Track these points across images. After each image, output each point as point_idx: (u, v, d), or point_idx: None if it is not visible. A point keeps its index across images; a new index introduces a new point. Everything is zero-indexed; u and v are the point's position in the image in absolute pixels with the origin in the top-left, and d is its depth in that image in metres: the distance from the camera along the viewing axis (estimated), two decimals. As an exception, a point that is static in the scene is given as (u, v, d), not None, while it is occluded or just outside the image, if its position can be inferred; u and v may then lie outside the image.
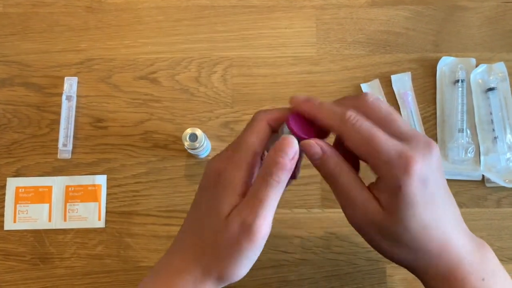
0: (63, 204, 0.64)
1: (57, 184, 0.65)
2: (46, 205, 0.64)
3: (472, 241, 0.40)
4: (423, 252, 0.39)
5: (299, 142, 0.39)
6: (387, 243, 0.40)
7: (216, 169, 0.40)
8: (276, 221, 0.63)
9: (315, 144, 0.39)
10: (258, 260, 0.61)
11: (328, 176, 0.40)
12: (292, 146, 0.38)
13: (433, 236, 0.38)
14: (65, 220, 0.64)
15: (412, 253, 0.39)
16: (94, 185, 0.65)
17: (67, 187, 0.65)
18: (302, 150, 0.40)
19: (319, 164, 0.40)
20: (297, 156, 0.39)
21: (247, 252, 0.38)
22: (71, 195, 0.65)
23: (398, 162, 0.37)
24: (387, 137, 0.38)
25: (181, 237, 0.43)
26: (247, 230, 0.38)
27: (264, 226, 0.38)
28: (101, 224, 0.64)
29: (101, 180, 0.65)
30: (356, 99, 0.40)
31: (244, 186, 0.39)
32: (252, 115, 0.66)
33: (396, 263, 0.42)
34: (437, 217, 0.38)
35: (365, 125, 0.38)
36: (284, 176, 0.38)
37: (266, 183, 0.38)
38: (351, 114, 0.38)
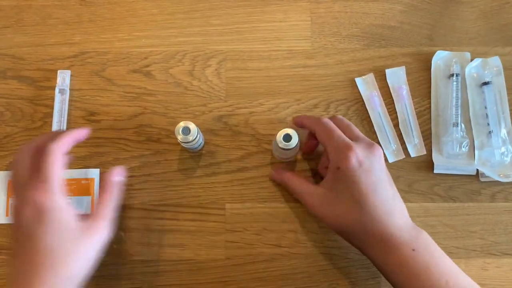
0: (56, 197, 0.64)
1: (50, 177, 0.64)
2: (39, 199, 0.64)
3: (409, 225, 0.53)
4: (355, 221, 0.52)
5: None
6: (330, 212, 0.55)
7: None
8: (269, 215, 0.63)
9: (273, 173, 0.64)
10: (251, 254, 0.62)
11: (284, 186, 0.63)
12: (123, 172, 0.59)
13: (364, 209, 0.51)
14: (57, 213, 0.64)
15: (348, 221, 0.53)
16: (87, 179, 0.64)
17: (60, 180, 0.64)
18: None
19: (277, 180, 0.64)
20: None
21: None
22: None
23: (342, 149, 0.53)
24: (342, 134, 0.55)
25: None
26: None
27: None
28: (94, 218, 0.63)
29: (94, 173, 0.65)
30: (329, 117, 0.59)
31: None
32: (245, 109, 0.66)
33: (340, 232, 0.56)
34: (373, 197, 0.51)
35: (330, 124, 0.56)
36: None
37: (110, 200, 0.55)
38: (324, 118, 0.58)
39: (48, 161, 0.49)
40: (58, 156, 0.50)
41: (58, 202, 0.48)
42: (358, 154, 0.52)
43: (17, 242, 0.48)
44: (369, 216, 0.51)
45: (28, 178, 0.49)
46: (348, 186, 0.52)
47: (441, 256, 0.51)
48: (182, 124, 0.59)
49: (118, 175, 0.57)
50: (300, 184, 0.59)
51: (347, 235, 0.55)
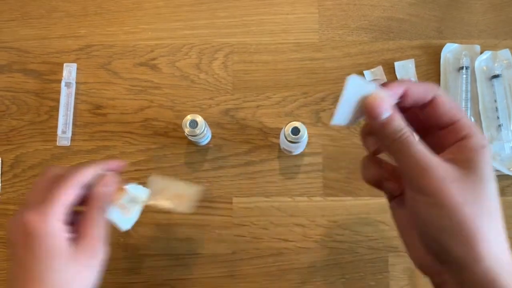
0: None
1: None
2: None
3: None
4: (482, 233, 0.33)
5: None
6: (468, 205, 0.34)
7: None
8: (276, 209, 0.63)
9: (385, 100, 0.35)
10: (258, 248, 0.62)
11: (394, 140, 0.36)
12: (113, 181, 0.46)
13: (492, 222, 0.35)
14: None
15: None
16: None
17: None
18: (367, 107, 0.35)
19: (384, 124, 0.35)
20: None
21: None
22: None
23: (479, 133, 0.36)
24: None
25: None
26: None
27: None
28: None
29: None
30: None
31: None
32: (252, 102, 0.65)
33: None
34: (496, 206, 0.36)
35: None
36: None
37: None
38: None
39: (59, 185, 0.43)
40: (70, 183, 0.43)
41: (50, 227, 0.41)
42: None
43: (12, 263, 0.43)
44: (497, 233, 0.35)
45: (33, 200, 0.43)
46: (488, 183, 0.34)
47: None
48: (189, 117, 0.59)
49: (105, 185, 0.46)
50: (419, 149, 0.34)
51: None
